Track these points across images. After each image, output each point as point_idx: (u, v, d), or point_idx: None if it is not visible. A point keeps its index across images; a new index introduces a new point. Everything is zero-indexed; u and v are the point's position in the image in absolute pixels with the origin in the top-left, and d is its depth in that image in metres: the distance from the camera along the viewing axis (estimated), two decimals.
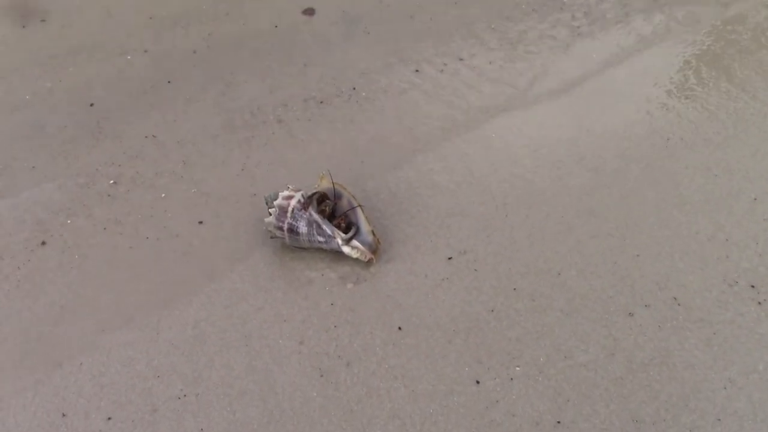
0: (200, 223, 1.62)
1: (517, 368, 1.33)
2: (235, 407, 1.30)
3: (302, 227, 1.48)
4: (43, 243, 1.57)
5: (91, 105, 1.92)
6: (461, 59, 2.04)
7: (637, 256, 1.49)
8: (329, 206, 1.54)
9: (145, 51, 2.10)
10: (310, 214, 1.48)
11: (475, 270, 1.49)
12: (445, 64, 2.02)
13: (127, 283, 1.50)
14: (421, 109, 1.89)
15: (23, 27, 2.18)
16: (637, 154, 1.72)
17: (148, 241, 1.58)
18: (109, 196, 1.68)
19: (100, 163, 1.76)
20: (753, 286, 1.43)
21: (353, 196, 1.56)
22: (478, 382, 1.31)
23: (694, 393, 1.28)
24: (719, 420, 1.25)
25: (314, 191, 1.54)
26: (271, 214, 1.51)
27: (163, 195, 1.68)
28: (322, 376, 1.34)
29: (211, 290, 1.48)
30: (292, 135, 1.82)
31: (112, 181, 1.71)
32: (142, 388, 1.34)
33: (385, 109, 1.89)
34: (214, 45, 2.12)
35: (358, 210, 1.54)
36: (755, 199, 1.59)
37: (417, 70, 2.01)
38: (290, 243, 1.52)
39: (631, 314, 1.40)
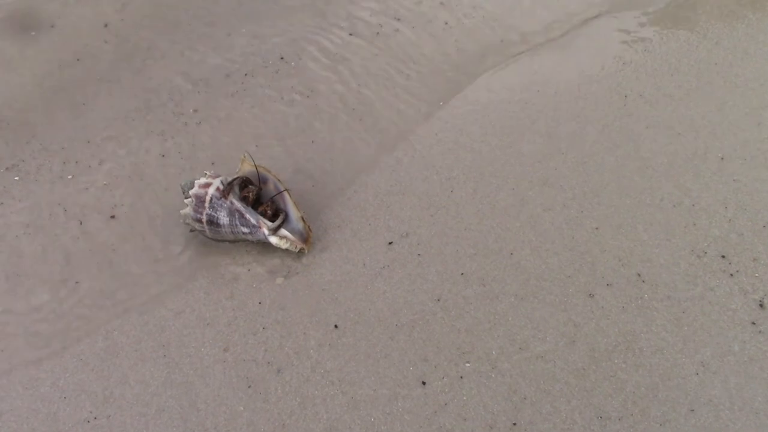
0: (112, 217, 1.45)
1: (467, 365, 1.19)
2: (152, 428, 1.15)
3: (223, 218, 1.32)
4: None
5: None
6: (398, 18, 1.85)
7: (597, 229, 1.35)
8: (253, 192, 1.37)
9: (52, 26, 1.89)
10: (231, 203, 1.32)
11: (419, 255, 1.34)
12: (381, 25, 1.84)
13: None
14: (356, 78, 1.72)
15: None
16: (594, 115, 1.57)
17: (50, 238, 1.40)
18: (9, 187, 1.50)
19: None
20: (724, 257, 1.30)
21: (279, 180, 1.39)
22: (424, 384, 1.17)
23: (664, 381, 1.15)
24: (692, 411, 1.12)
25: (235, 176, 1.37)
26: (187, 205, 1.34)
27: (70, 187, 1.50)
28: (249, 386, 1.19)
29: (123, 293, 1.32)
30: (214, 114, 1.64)
31: (16, 178, 1.52)
32: (45, 414, 1.18)
33: (315, 80, 1.71)
34: (128, 17, 1.92)
35: (286, 194, 1.37)
36: (722, 158, 1.45)
37: (351, 34, 1.82)
38: (211, 236, 1.35)
39: (591, 295, 1.26)
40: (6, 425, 1.17)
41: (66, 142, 1.59)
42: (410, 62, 1.74)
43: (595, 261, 1.31)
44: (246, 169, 1.39)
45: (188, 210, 1.33)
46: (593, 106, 1.59)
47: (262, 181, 1.39)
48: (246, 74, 1.73)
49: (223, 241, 1.38)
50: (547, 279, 1.29)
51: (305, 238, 1.35)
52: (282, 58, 1.77)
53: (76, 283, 1.34)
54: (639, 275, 1.28)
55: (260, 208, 1.36)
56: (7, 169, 1.55)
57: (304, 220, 1.35)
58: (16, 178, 1.53)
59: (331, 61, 1.75)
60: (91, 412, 1.18)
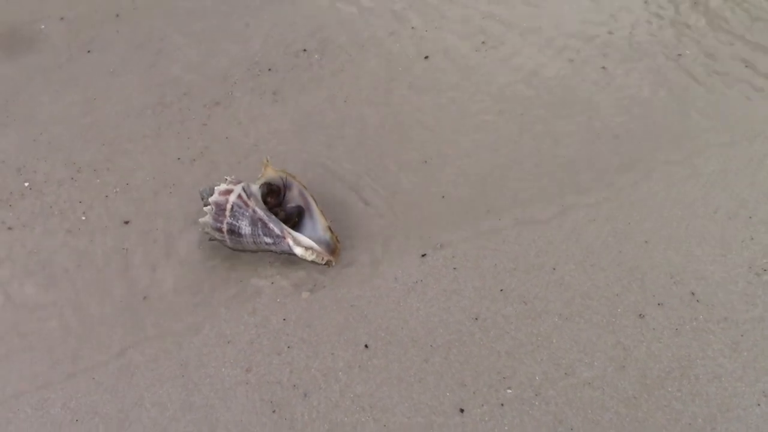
0: (126, 223, 1.36)
1: (509, 391, 1.10)
2: None
3: (245, 227, 1.23)
4: None
5: None
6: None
7: (646, 242, 1.26)
8: (278, 199, 1.28)
9: (61, 18, 1.80)
10: (254, 211, 1.23)
11: (455, 269, 1.25)
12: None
13: None
14: (386, 69, 1.62)
15: None
16: (641, 112, 1.46)
17: (61, 245, 1.32)
18: (19, 193, 1.42)
19: (6, 154, 1.48)
20: None
21: (304, 186, 1.30)
22: (462, 411, 1.09)
23: (722, 412, 1.06)
24: None
25: (258, 182, 1.29)
26: (207, 213, 1.25)
27: (80, 190, 1.41)
28: (274, 411, 1.10)
29: (140, 307, 1.24)
30: (233, 112, 1.55)
31: (26, 184, 1.44)
32: None
33: (342, 74, 1.61)
34: (141, 6, 1.82)
35: (311, 202, 1.29)
36: None
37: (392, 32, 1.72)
38: (232, 246, 1.27)
39: (641, 316, 1.17)
40: None
41: (76, 142, 1.51)
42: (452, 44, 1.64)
43: (645, 278, 1.22)
44: (269, 174, 1.30)
45: (208, 218, 1.24)
46: (640, 102, 1.49)
47: (286, 187, 1.31)
48: (270, 69, 1.64)
49: (245, 251, 1.29)
50: (593, 297, 1.20)
51: (332, 249, 1.26)
52: (305, 50, 1.68)
53: (83, 301, 1.26)
54: (693, 294, 1.19)
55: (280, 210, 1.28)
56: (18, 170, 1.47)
57: (331, 230, 1.27)
58: (26, 183, 1.45)
59: (358, 49, 1.65)
60: None
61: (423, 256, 1.27)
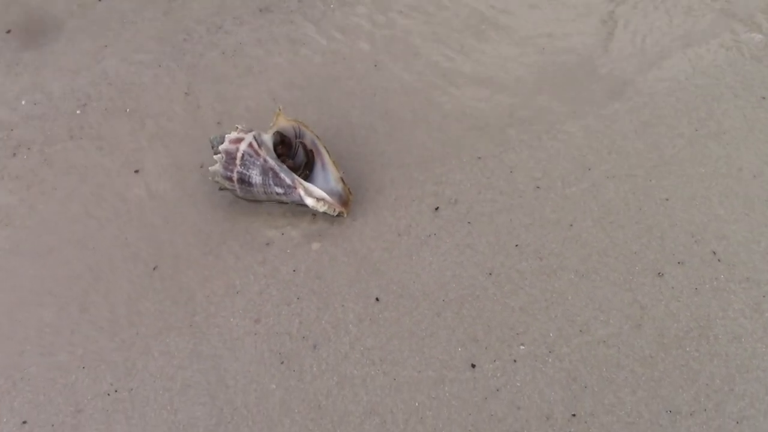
0: (136, 172, 1.34)
1: (522, 347, 1.08)
2: (177, 405, 1.06)
3: (255, 176, 1.20)
4: None
5: (8, 32, 1.61)
6: None
7: (666, 200, 1.22)
8: (295, 148, 1.25)
9: None
10: (265, 160, 1.20)
11: (469, 223, 1.22)
12: None
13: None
14: (403, 12, 1.57)
15: None
16: (662, 72, 1.41)
17: (69, 195, 1.30)
18: (26, 148, 1.39)
19: (15, 100, 1.46)
20: None
21: (317, 136, 1.27)
22: (473, 366, 1.07)
23: (741, 373, 1.04)
24: None
25: (270, 131, 1.26)
26: (217, 162, 1.23)
27: (91, 139, 1.39)
28: (282, 362, 1.09)
29: (147, 255, 1.22)
30: (245, 58, 1.51)
31: (29, 147, 1.42)
32: (63, 384, 1.09)
33: (357, 17, 1.57)
34: None
35: (324, 153, 1.26)
36: None
37: None
38: (242, 195, 1.24)
39: (660, 274, 1.14)
40: (21, 395, 1.08)
41: (88, 90, 1.48)
42: None
43: (665, 236, 1.18)
44: (281, 123, 1.27)
45: (218, 167, 1.22)
46: (661, 61, 1.44)
47: (298, 137, 1.27)
48: (292, 10, 1.59)
49: (255, 201, 1.26)
50: (610, 255, 1.17)
51: (344, 200, 1.23)
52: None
53: (93, 248, 1.24)
54: (714, 253, 1.16)
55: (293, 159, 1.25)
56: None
57: (343, 181, 1.24)
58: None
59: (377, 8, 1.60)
60: (111, 384, 1.09)
61: (436, 209, 1.24)
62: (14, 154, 1.37)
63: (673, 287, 1.12)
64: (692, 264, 1.15)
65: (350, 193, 1.24)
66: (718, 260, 1.15)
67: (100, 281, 1.19)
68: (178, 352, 1.11)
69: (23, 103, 1.45)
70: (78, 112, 1.43)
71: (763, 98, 1.35)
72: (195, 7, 1.62)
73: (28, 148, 1.38)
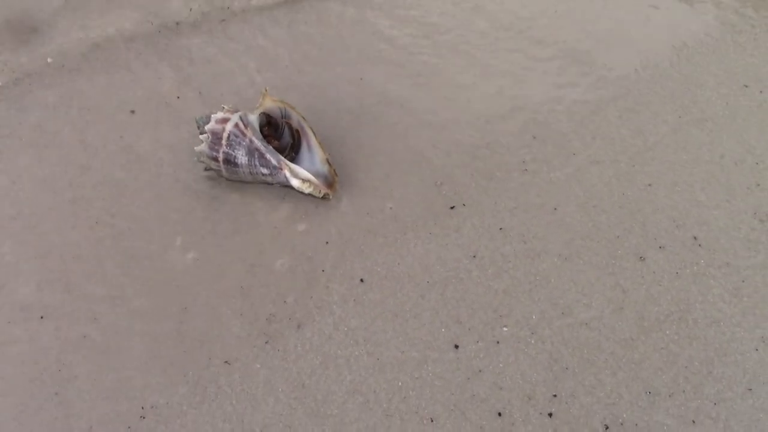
0: (122, 151, 1.32)
1: (505, 329, 1.09)
2: (163, 381, 1.05)
3: (241, 157, 1.20)
4: None
5: None
6: None
7: (649, 185, 1.23)
8: (281, 129, 1.25)
9: None
10: (251, 141, 1.20)
11: (453, 206, 1.23)
12: None
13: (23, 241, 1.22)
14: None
15: None
16: (648, 59, 1.42)
17: (63, 172, 1.29)
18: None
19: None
20: None
21: (303, 117, 1.27)
22: (457, 347, 1.07)
23: (720, 356, 1.05)
24: (750, 390, 1.02)
25: (256, 112, 1.25)
26: (203, 141, 1.22)
27: (68, 115, 1.38)
28: (267, 342, 1.09)
29: (131, 234, 1.21)
30: (231, 38, 1.50)
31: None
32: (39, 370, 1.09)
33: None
34: None
35: (310, 134, 1.26)
36: None
37: None
38: (228, 176, 1.24)
39: (642, 258, 1.15)
40: None
41: (62, 63, 1.46)
42: None
43: (647, 221, 1.20)
44: (267, 104, 1.27)
45: (203, 147, 1.21)
46: (647, 48, 1.45)
47: (284, 118, 1.27)
48: None
49: (240, 182, 1.26)
50: (593, 239, 1.18)
51: (330, 182, 1.23)
52: None
53: (74, 227, 1.23)
54: (695, 239, 1.17)
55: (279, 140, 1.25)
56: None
57: (329, 163, 1.24)
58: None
59: None
60: (97, 369, 1.08)
61: (421, 192, 1.25)
62: None
63: (654, 271, 1.14)
64: (673, 249, 1.16)
65: (336, 174, 1.24)
66: (699, 245, 1.16)
67: (80, 262, 1.19)
68: (162, 331, 1.11)
69: None
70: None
71: (746, 86, 1.37)
72: None
73: None
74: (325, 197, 1.23)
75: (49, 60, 1.45)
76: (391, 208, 1.23)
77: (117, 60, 1.47)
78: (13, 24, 1.53)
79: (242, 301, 1.13)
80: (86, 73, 1.44)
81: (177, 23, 1.54)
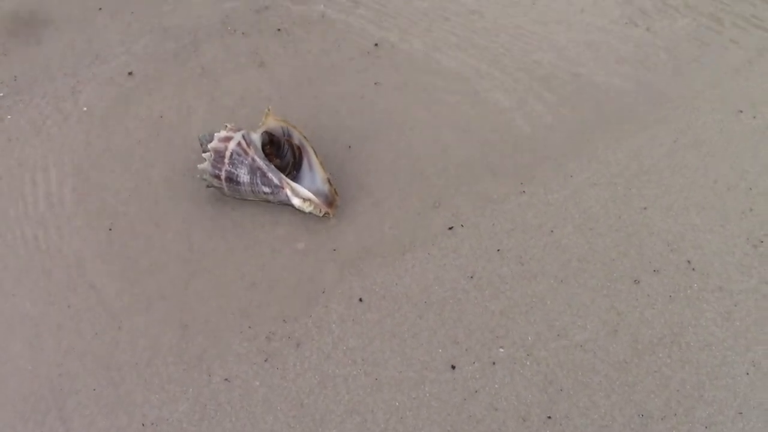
0: (124, 169, 1.34)
1: (501, 350, 1.10)
2: (163, 398, 1.07)
3: (243, 175, 1.22)
4: None
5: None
6: None
7: (645, 209, 1.25)
8: (283, 148, 1.27)
9: None
10: (253, 160, 1.22)
11: (451, 227, 1.24)
12: None
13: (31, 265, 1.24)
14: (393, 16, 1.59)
15: None
16: (644, 85, 1.45)
17: (60, 181, 1.31)
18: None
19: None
20: None
21: (305, 137, 1.29)
22: (453, 368, 1.09)
23: (712, 380, 1.07)
24: (741, 414, 1.04)
25: (259, 131, 1.27)
26: (205, 160, 1.24)
27: (66, 137, 1.39)
28: (266, 360, 1.11)
29: (134, 252, 1.23)
30: (235, 58, 1.52)
31: (9, 117, 1.42)
32: (45, 378, 1.10)
33: (349, 23, 1.59)
34: None
35: (311, 153, 1.27)
36: None
37: None
38: (229, 194, 1.26)
39: (637, 281, 1.17)
40: None
41: (63, 92, 1.48)
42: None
43: (642, 244, 1.21)
44: (269, 123, 1.28)
45: (206, 165, 1.23)
46: (641, 67, 1.47)
47: (286, 137, 1.29)
48: (276, 12, 1.60)
49: (242, 199, 1.28)
50: (589, 261, 1.20)
51: (330, 201, 1.25)
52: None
53: (75, 240, 1.25)
54: (689, 263, 1.19)
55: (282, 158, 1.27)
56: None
57: (330, 183, 1.26)
58: (9, 117, 1.43)
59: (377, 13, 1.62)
60: (94, 379, 1.10)
61: (420, 213, 1.26)
62: None
63: (648, 294, 1.16)
64: (668, 272, 1.18)
65: (336, 194, 1.26)
66: (693, 269, 1.18)
67: (84, 278, 1.20)
68: (162, 347, 1.12)
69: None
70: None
71: (740, 112, 1.39)
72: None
73: None
74: (325, 216, 1.25)
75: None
76: (390, 228, 1.24)
77: None
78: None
79: (242, 319, 1.15)
80: None
81: (191, 39, 1.56)
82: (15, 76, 1.52)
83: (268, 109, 1.27)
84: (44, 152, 1.37)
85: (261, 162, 1.22)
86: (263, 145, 1.27)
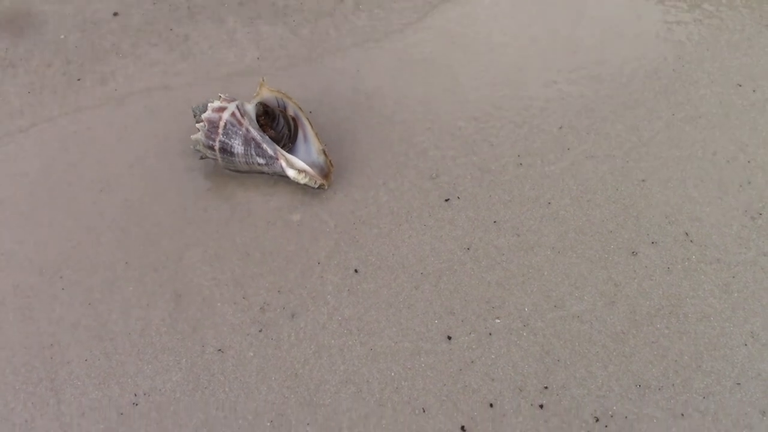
0: (118, 141, 1.32)
1: (497, 320, 1.09)
2: (156, 368, 1.06)
3: (237, 146, 1.20)
4: None
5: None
6: None
7: (643, 181, 1.24)
8: (277, 119, 1.25)
9: None
10: (247, 130, 1.20)
11: (447, 199, 1.23)
12: None
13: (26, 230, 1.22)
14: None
15: None
16: (644, 58, 1.43)
17: (50, 163, 1.29)
18: None
19: None
20: None
21: (300, 107, 1.27)
22: (449, 338, 1.08)
23: (709, 351, 1.06)
24: (739, 384, 1.03)
25: (253, 101, 1.25)
26: (199, 130, 1.23)
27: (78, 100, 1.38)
28: (260, 330, 1.09)
29: (128, 223, 1.21)
30: (228, 27, 1.50)
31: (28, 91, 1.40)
32: (42, 349, 1.08)
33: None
34: None
35: (306, 125, 1.26)
36: None
37: None
38: (224, 165, 1.24)
39: (634, 253, 1.16)
40: None
41: (59, 50, 1.46)
42: None
43: (640, 216, 1.20)
44: (264, 94, 1.27)
45: (200, 135, 1.21)
46: (642, 47, 1.46)
47: (281, 108, 1.27)
48: None
49: (236, 171, 1.27)
50: (587, 233, 1.19)
51: (326, 173, 1.24)
52: None
53: (73, 211, 1.23)
54: (687, 234, 1.18)
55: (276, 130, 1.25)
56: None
57: (325, 154, 1.24)
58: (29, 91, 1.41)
59: None
60: (90, 352, 1.08)
61: (416, 184, 1.25)
62: None
63: (646, 266, 1.15)
64: (665, 244, 1.17)
65: (331, 165, 1.25)
66: (691, 241, 1.17)
67: (78, 250, 1.19)
68: (155, 317, 1.11)
69: None
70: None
71: (739, 85, 1.38)
72: None
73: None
74: (320, 187, 1.24)
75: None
76: (386, 199, 1.23)
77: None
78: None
79: (236, 289, 1.14)
80: None
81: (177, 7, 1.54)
82: (6, 48, 1.50)
83: (263, 80, 1.26)
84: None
85: (255, 133, 1.21)
86: (257, 116, 1.25)
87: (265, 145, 1.20)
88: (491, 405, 1.02)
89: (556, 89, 1.38)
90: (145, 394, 1.04)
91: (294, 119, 1.27)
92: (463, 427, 1.00)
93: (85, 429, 1.00)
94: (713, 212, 1.20)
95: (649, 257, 1.16)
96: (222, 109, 1.21)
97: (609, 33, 1.48)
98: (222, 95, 1.23)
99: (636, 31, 1.49)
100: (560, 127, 1.32)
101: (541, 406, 1.02)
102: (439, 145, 1.30)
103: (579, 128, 1.32)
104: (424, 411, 1.01)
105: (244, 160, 1.21)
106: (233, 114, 1.21)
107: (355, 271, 1.15)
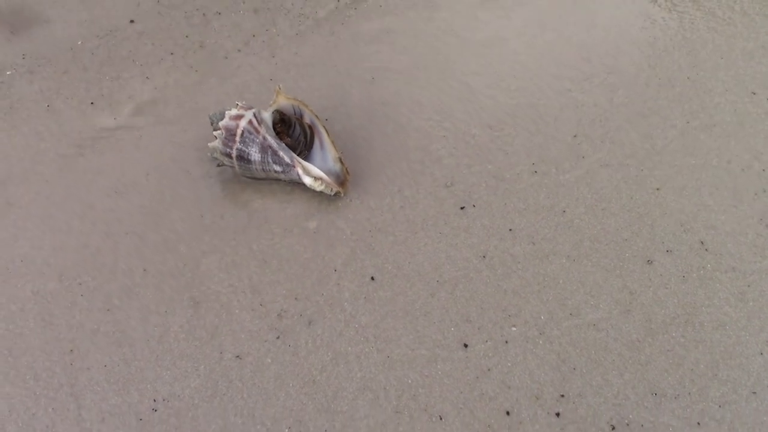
0: (135, 148, 1.34)
1: (513, 328, 1.10)
2: (175, 375, 1.07)
3: (254, 154, 1.21)
4: None
5: None
6: None
7: (658, 189, 1.25)
8: (293, 126, 1.26)
9: None
10: (264, 138, 1.21)
11: (463, 207, 1.24)
12: None
13: (44, 237, 1.23)
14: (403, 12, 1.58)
15: None
16: (658, 66, 1.44)
17: (62, 170, 1.30)
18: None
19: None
20: None
21: (316, 115, 1.28)
22: (466, 346, 1.08)
23: (725, 360, 1.06)
24: (755, 393, 1.03)
25: (270, 109, 1.26)
26: (216, 138, 1.24)
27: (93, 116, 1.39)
28: (278, 337, 1.10)
29: (145, 229, 1.22)
30: (243, 34, 1.51)
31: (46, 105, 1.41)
32: (61, 354, 1.09)
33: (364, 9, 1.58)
34: None
35: (323, 132, 1.27)
36: None
37: None
38: (241, 172, 1.25)
39: (650, 262, 1.16)
40: None
41: (81, 65, 1.47)
42: None
43: (655, 224, 1.21)
44: (280, 101, 1.28)
45: (217, 143, 1.22)
46: (656, 54, 1.46)
47: (297, 115, 1.28)
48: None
49: (253, 178, 1.28)
50: (602, 241, 1.19)
51: (342, 180, 1.25)
52: None
53: (88, 218, 1.24)
54: (702, 243, 1.18)
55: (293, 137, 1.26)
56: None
57: (341, 161, 1.25)
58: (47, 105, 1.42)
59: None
60: (110, 358, 1.09)
61: (432, 192, 1.26)
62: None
63: (661, 274, 1.15)
64: (681, 252, 1.17)
65: (348, 173, 1.25)
66: (706, 250, 1.18)
67: (97, 256, 1.20)
68: (174, 324, 1.12)
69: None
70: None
71: (754, 93, 1.38)
72: None
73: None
74: (336, 195, 1.25)
75: None
76: (401, 207, 1.24)
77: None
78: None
79: (253, 296, 1.14)
80: None
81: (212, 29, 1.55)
82: (23, 54, 1.51)
83: (279, 87, 1.27)
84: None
85: (272, 140, 1.21)
86: (274, 124, 1.26)
87: (281, 153, 1.21)
88: (508, 413, 1.02)
89: (570, 97, 1.39)
90: (164, 400, 1.04)
91: (310, 127, 1.28)
92: None
93: None
94: (728, 220, 1.21)
95: (664, 266, 1.16)
96: (239, 117, 1.22)
97: (622, 41, 1.49)
98: (239, 103, 1.24)
99: (649, 39, 1.49)
100: (574, 136, 1.32)
101: (558, 414, 1.02)
102: (454, 153, 1.31)
103: (593, 137, 1.32)
104: (441, 418, 1.02)
105: (260, 167, 1.22)
106: (250, 122, 1.21)
107: (372, 278, 1.16)
